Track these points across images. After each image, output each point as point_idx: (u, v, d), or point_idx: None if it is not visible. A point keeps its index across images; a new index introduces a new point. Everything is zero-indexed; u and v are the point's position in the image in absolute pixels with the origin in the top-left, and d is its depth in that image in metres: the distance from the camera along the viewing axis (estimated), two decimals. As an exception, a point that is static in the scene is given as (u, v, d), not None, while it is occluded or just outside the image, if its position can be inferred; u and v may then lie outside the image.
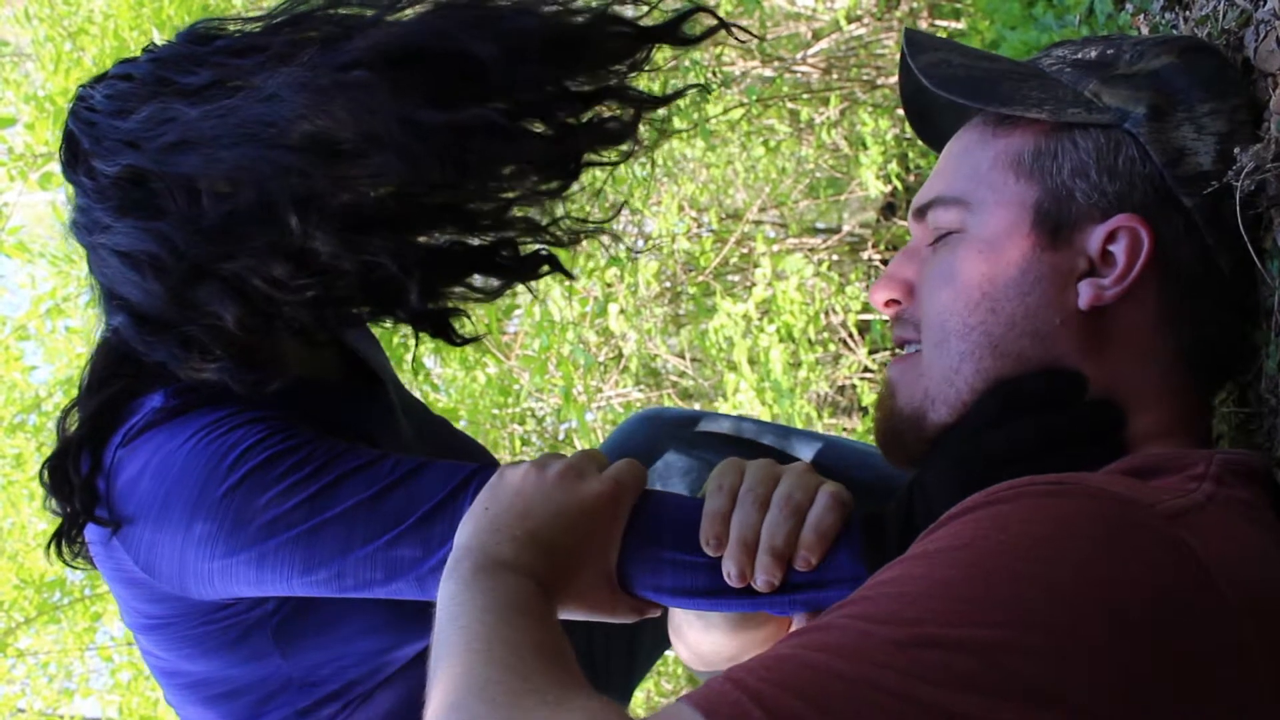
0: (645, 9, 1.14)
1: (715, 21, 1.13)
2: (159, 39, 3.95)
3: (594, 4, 1.10)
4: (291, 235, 1.00)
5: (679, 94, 1.17)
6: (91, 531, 1.10)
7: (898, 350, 1.00)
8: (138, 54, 1.11)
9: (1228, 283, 0.91)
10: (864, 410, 4.04)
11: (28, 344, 4.67)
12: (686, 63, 3.29)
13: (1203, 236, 0.89)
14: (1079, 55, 0.96)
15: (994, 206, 0.91)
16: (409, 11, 1.04)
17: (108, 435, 1.09)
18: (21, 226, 4.31)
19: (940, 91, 0.93)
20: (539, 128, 1.07)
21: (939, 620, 0.63)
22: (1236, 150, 0.88)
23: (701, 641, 1.11)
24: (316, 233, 1.00)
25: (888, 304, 0.98)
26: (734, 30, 1.16)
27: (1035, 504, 0.70)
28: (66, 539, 1.12)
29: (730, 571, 0.93)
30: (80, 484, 1.08)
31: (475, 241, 1.14)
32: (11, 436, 4.52)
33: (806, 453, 1.31)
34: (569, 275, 1.27)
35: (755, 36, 1.27)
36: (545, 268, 1.21)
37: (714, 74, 3.52)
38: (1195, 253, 0.89)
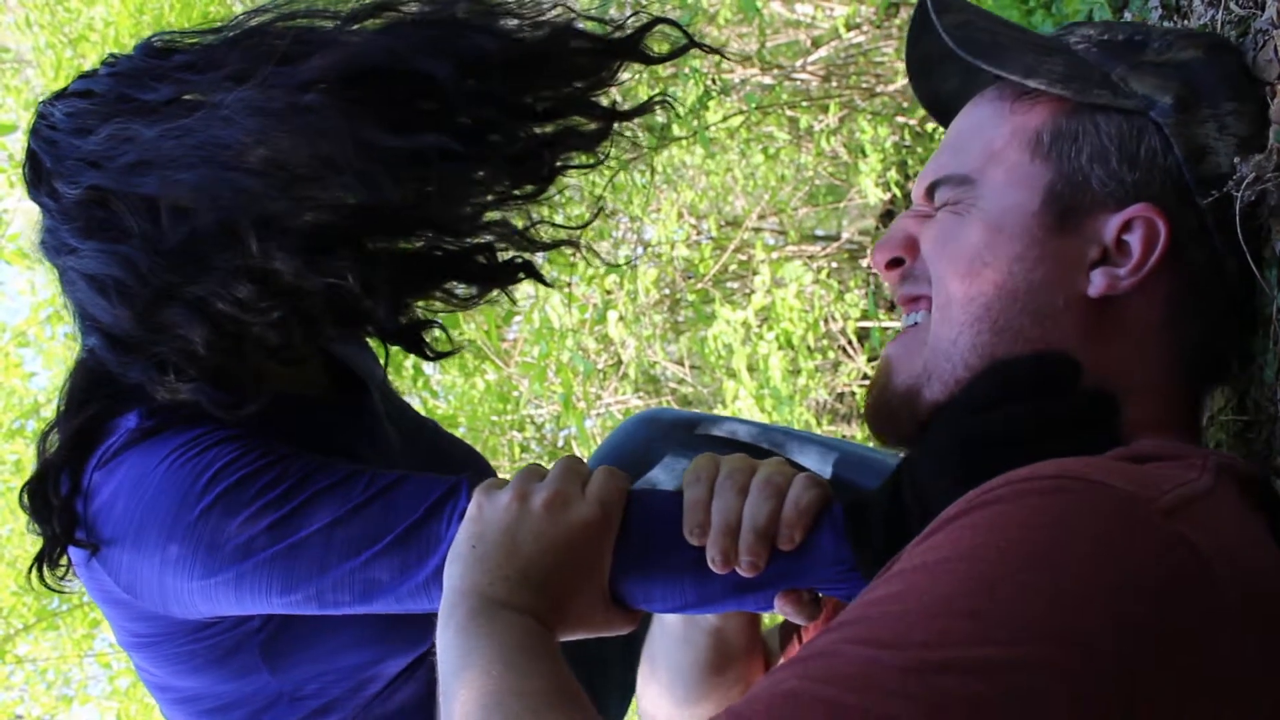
0: (612, 23, 1.13)
1: (703, 33, 1.13)
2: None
3: (557, 15, 1.08)
4: (253, 257, 0.99)
5: (645, 108, 1.14)
6: (74, 553, 1.10)
7: (901, 319, 0.98)
8: (97, 67, 1.10)
9: (1232, 286, 0.90)
10: (863, 417, 4.03)
11: (27, 350, 4.68)
12: (686, 70, 3.30)
13: (1213, 238, 0.88)
14: (1106, 37, 0.94)
15: (1004, 186, 0.90)
16: (364, 27, 1.03)
17: (86, 457, 1.08)
18: (21, 233, 4.31)
19: (963, 53, 0.91)
20: (500, 138, 1.05)
21: (945, 641, 0.62)
22: (1237, 160, 0.88)
23: (656, 709, 1.11)
24: (278, 254, 1.00)
25: (891, 266, 0.96)
26: (703, 46, 1.15)
27: (1034, 504, 0.69)
28: (49, 561, 1.11)
29: (714, 557, 0.92)
30: (59, 506, 1.07)
31: (451, 247, 1.13)
32: (10, 442, 4.52)
33: (803, 456, 1.31)
34: (545, 282, 1.26)
35: (717, 52, 1.25)
36: (522, 275, 1.20)
37: (713, 81, 3.53)
38: (1206, 253, 0.88)
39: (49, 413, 1.17)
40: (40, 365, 4.84)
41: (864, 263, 4.36)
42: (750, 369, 3.58)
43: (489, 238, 1.13)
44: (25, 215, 4.35)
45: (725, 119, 3.82)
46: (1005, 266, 0.88)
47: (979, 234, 0.89)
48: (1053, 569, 0.65)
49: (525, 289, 1.27)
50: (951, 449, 0.87)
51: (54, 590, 1.15)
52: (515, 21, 1.06)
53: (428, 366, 3.80)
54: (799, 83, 4.21)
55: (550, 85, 1.08)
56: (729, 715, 0.62)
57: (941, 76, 1.02)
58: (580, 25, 1.10)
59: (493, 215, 1.11)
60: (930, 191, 0.95)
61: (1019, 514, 0.68)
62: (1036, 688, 0.60)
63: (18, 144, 4.37)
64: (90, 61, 4.24)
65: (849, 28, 3.97)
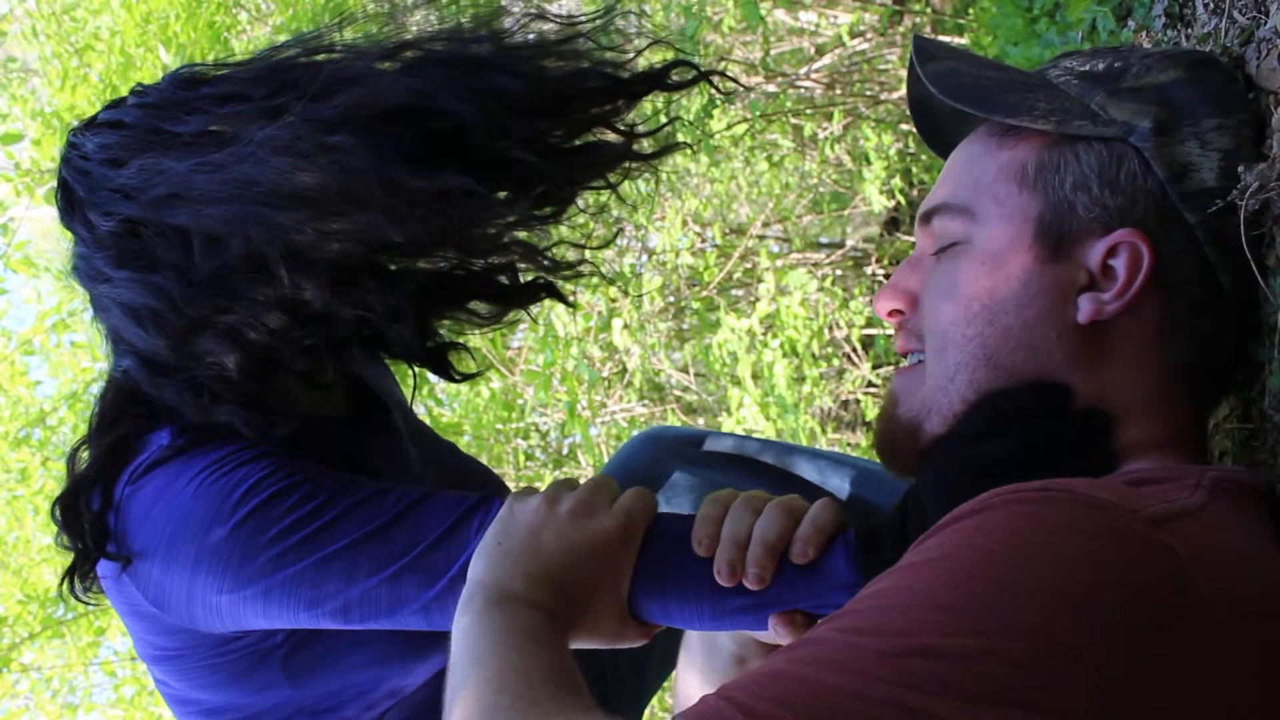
0: (628, 51, 1.15)
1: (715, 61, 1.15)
2: (166, 56, 3.91)
3: (575, 48, 1.11)
4: (283, 287, 1.02)
5: (667, 150, 1.18)
6: (103, 566, 1.11)
7: (902, 361, 1.00)
8: (125, 95, 1.12)
9: (1228, 299, 0.91)
10: (868, 425, 4.03)
11: (33, 359, 4.68)
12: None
13: (1204, 253, 0.89)
14: (1087, 67, 0.96)
15: (997, 218, 0.91)
16: (389, 64, 1.05)
17: (118, 472, 1.10)
18: (28, 241, 4.32)
19: (947, 100, 0.94)
20: (521, 172, 1.07)
21: (923, 630, 0.64)
22: (1241, 169, 0.88)
23: (696, 695, 1.12)
24: (307, 284, 1.02)
25: (891, 314, 0.99)
26: (714, 80, 1.19)
27: (1020, 512, 0.71)
28: (80, 575, 1.12)
29: (721, 569, 0.95)
30: (91, 520, 1.09)
31: (472, 267, 1.16)
32: (16, 450, 4.53)
33: (809, 470, 1.32)
34: (567, 302, 1.29)
35: (736, 83, 1.29)
36: (543, 295, 1.23)
37: (718, 90, 3.53)
38: (1196, 269, 0.89)
39: (55, 421, 1.18)
40: (46, 373, 4.85)
41: (868, 270, 4.36)
42: (755, 377, 3.58)
43: (509, 258, 1.16)
44: (32, 224, 4.37)
45: (729, 127, 3.81)
46: (1001, 307, 0.90)
47: (977, 274, 0.91)
48: (1030, 569, 0.67)
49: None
50: (948, 479, 0.90)
51: (83, 604, 1.17)
52: (535, 58, 1.09)
53: (432, 374, 3.80)
54: (803, 90, 4.21)
55: (570, 121, 1.11)
56: (720, 693, 0.65)
57: (941, 118, 1.05)
58: (597, 59, 1.12)
59: (512, 235, 1.13)
60: (929, 219, 0.97)
61: (1006, 520, 0.70)
62: (1005, 677, 0.62)
63: (24, 153, 4.38)
64: (97, 71, 4.25)
65: (853, 35, 3.97)
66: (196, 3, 4.13)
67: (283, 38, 1.12)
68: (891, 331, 1.02)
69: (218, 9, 4.19)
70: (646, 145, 1.16)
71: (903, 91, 4.06)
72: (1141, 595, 0.66)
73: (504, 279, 1.19)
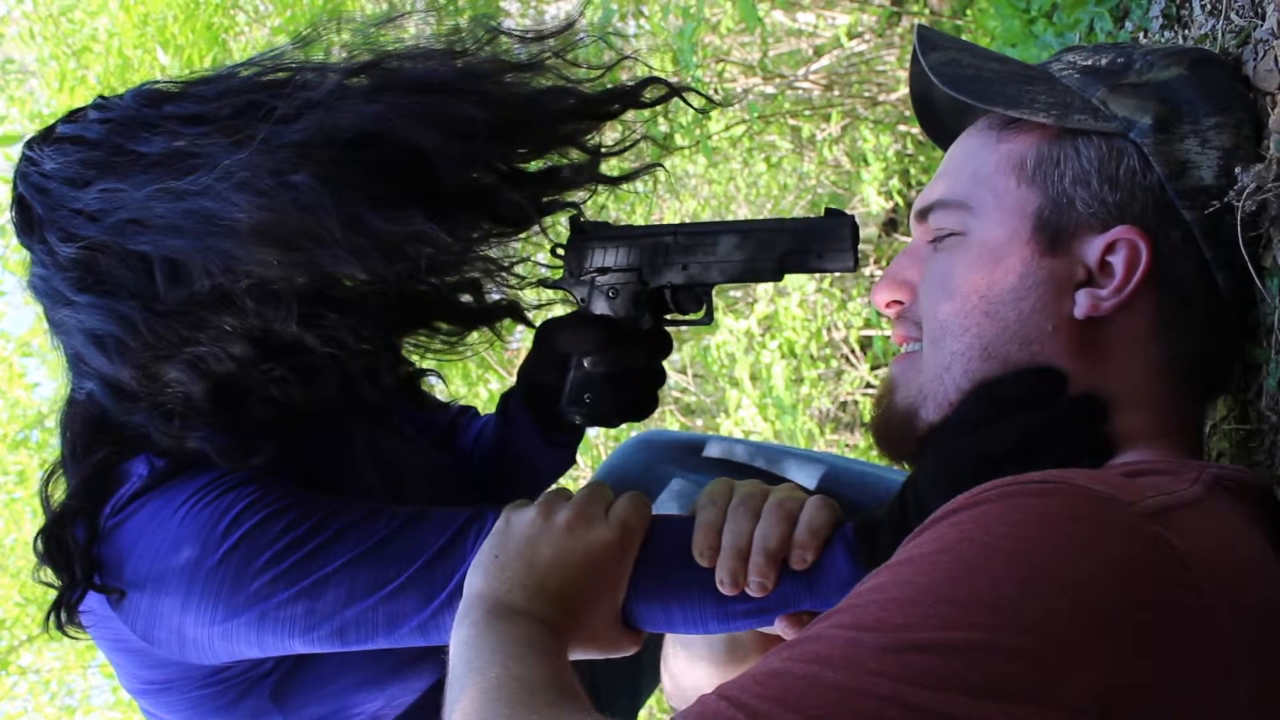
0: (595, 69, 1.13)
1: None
2: (164, 58, 3.88)
3: (542, 67, 1.09)
4: (249, 318, 1.00)
5: (632, 144, 1.16)
6: (86, 600, 1.09)
7: (900, 349, 1.00)
8: (84, 107, 1.08)
9: (1224, 297, 0.91)
10: (866, 426, 4.03)
11: (31, 360, 4.69)
12: (690, 79, 3.30)
13: (1200, 250, 0.89)
14: (1089, 61, 0.96)
15: (995, 211, 0.92)
16: (353, 85, 1.02)
17: (100, 503, 1.07)
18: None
19: (948, 90, 0.94)
20: (486, 199, 1.06)
21: (925, 625, 0.64)
22: (1238, 170, 0.88)
23: (685, 674, 1.12)
24: (274, 315, 1.00)
25: (889, 304, 0.99)
26: (686, 96, 1.17)
27: (1017, 504, 0.71)
28: (66, 609, 1.09)
29: (723, 579, 0.94)
30: (80, 552, 1.06)
31: (436, 284, 1.14)
32: (15, 453, 4.53)
33: (800, 473, 1.32)
34: (529, 324, 1.26)
35: (711, 100, 1.26)
36: (506, 315, 1.21)
37: (716, 91, 3.53)
38: (1193, 266, 0.89)
39: (53, 424, 1.16)
40: (44, 375, 4.85)
41: (866, 271, 4.36)
42: (753, 378, 3.58)
43: (475, 274, 1.14)
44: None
45: (727, 128, 3.82)
46: (999, 300, 0.90)
47: (974, 267, 0.91)
48: (1029, 563, 0.66)
49: (530, 300, 1.28)
50: (947, 469, 0.90)
51: (69, 637, 1.13)
52: (500, 80, 1.07)
53: (431, 377, 3.79)
54: (801, 92, 4.21)
55: (534, 144, 1.09)
56: (719, 693, 0.64)
57: (942, 110, 1.05)
58: (564, 80, 1.10)
59: (475, 252, 1.11)
60: (925, 215, 0.97)
61: (1003, 513, 0.70)
62: (1007, 670, 0.62)
63: (22, 155, 4.38)
64: (94, 73, 4.25)
65: (851, 36, 3.97)
66: (195, 4, 4.13)
67: (281, 39, 1.09)
68: (890, 333, 1.02)
69: (216, 10, 4.19)
70: (614, 163, 1.14)
71: (901, 92, 4.07)
72: (1140, 588, 0.66)
73: (468, 298, 1.17)
